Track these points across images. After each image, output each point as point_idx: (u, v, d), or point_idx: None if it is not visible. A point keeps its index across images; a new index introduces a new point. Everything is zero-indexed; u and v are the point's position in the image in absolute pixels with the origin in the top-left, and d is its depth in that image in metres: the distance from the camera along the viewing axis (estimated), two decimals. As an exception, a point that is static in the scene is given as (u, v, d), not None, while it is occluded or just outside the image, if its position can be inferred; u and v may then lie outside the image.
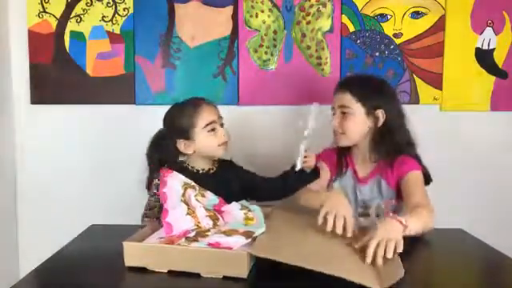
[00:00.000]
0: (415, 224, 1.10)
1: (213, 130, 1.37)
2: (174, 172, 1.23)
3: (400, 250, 0.96)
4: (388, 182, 1.44)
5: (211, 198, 1.16)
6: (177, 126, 1.38)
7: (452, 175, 1.95)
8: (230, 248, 0.96)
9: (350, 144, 1.48)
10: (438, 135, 1.94)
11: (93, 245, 1.18)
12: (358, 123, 1.43)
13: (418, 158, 1.45)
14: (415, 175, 1.39)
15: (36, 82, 1.94)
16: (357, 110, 1.42)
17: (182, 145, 1.38)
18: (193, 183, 1.19)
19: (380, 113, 1.42)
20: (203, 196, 1.15)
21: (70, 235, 1.20)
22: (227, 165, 1.46)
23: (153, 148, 1.42)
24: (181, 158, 1.43)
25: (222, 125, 1.40)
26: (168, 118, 1.42)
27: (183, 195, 1.13)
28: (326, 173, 1.52)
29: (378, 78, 1.58)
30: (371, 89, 1.44)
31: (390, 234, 0.99)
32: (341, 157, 1.53)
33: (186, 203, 1.10)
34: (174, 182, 1.15)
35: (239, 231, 1.03)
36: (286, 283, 0.90)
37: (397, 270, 0.91)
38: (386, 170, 1.44)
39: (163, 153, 1.41)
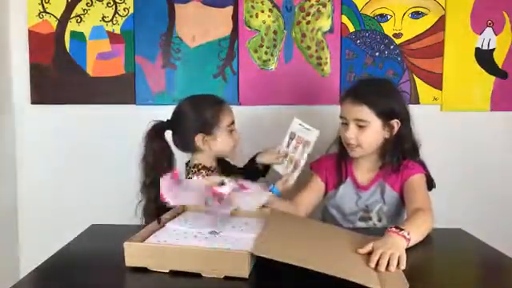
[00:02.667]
0: (417, 235, 1.10)
1: (231, 130, 1.38)
2: None
3: (403, 266, 0.95)
4: (392, 186, 1.44)
5: None
6: (201, 119, 1.35)
7: (452, 175, 1.95)
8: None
9: (365, 155, 1.46)
10: (438, 135, 1.93)
11: (93, 245, 1.18)
12: (375, 135, 1.41)
13: (422, 163, 1.46)
14: (418, 178, 1.40)
15: (36, 81, 1.94)
16: (374, 123, 1.40)
17: (200, 139, 1.35)
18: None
19: (395, 123, 1.41)
20: None
21: (70, 235, 1.20)
22: (220, 160, 1.48)
23: (153, 140, 1.33)
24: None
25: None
26: (189, 111, 1.37)
27: None
28: (318, 184, 1.53)
29: (388, 82, 1.58)
30: (387, 100, 1.42)
31: (393, 248, 0.98)
32: (340, 164, 1.52)
33: None
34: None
35: None
36: (286, 283, 0.90)
37: (401, 282, 0.89)
38: (390, 174, 1.44)
39: (179, 145, 1.38)
